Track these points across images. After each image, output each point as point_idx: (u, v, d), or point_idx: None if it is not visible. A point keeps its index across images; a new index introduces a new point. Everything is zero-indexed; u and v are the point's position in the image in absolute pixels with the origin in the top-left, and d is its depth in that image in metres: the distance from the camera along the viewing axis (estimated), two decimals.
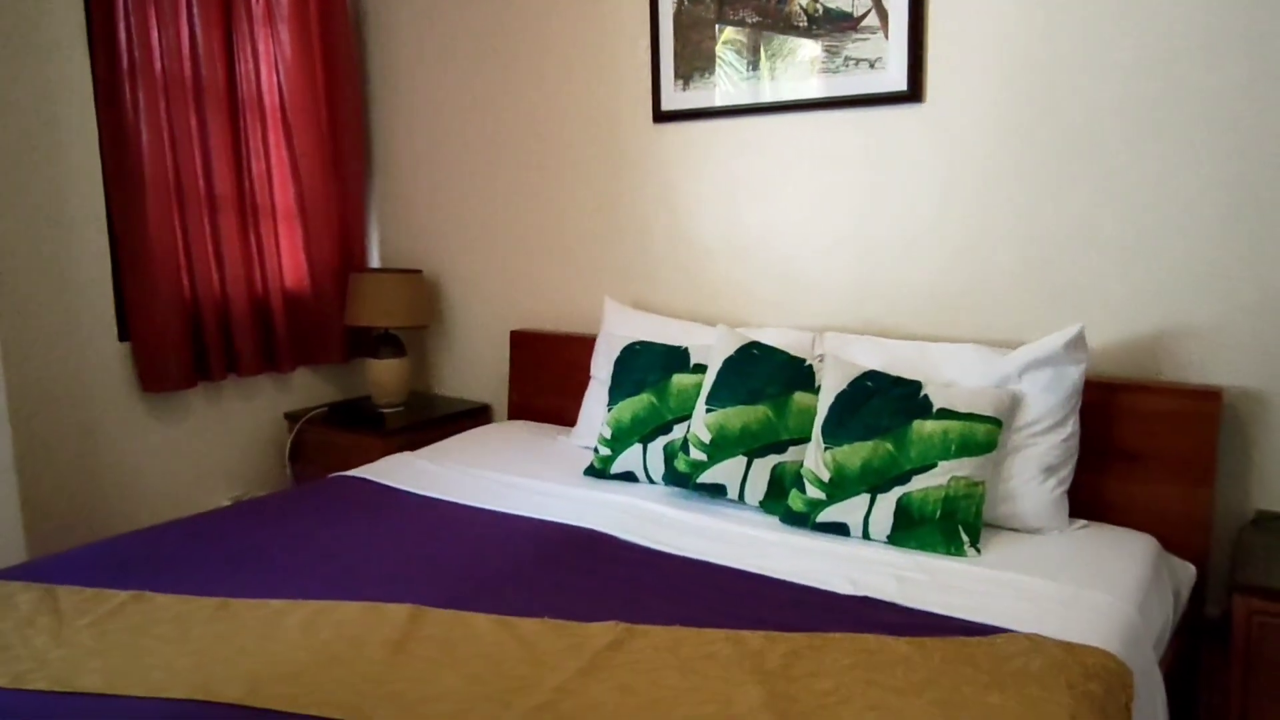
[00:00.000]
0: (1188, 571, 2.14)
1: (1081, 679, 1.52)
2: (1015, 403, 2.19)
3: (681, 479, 2.42)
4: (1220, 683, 1.88)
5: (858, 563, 2.01)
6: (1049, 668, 1.54)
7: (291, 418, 3.54)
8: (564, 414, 3.22)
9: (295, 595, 1.90)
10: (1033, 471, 2.17)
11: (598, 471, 2.64)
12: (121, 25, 2.96)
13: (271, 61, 3.44)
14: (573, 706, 1.47)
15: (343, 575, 2.00)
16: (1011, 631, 1.68)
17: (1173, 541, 2.18)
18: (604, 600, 1.85)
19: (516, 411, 3.41)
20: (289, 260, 3.56)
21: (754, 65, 2.78)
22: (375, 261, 3.90)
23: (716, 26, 2.84)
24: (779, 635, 1.69)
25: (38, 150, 2.85)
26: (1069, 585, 1.87)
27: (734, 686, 1.52)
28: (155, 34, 3.05)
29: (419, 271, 3.56)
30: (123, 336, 3.12)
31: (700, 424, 2.41)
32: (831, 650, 1.63)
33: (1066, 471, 2.20)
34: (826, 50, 2.65)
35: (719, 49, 2.84)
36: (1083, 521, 2.22)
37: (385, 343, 3.53)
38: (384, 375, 3.51)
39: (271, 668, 1.60)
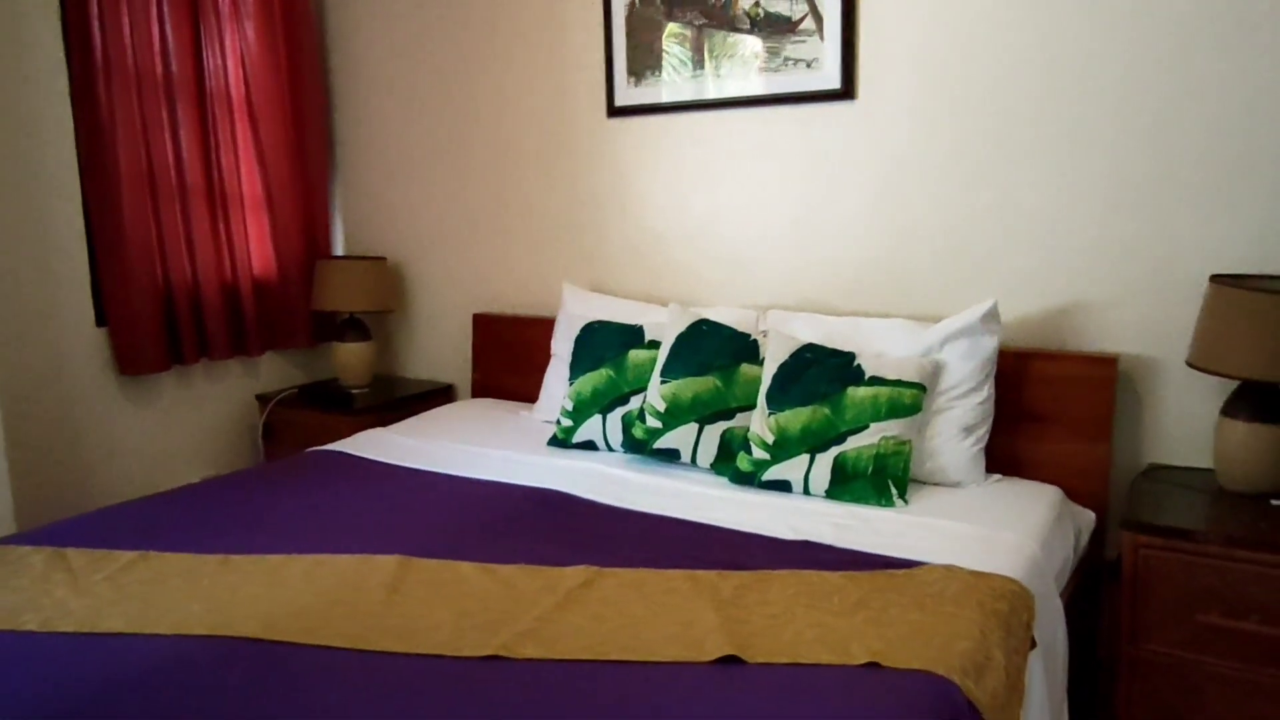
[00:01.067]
0: (1087, 517, 2.41)
1: (990, 599, 1.77)
2: (937, 370, 2.44)
3: (638, 445, 2.64)
4: (1114, 607, 2.15)
5: (799, 514, 2.25)
6: (962, 591, 1.80)
7: (263, 399, 3.69)
8: (525, 392, 3.42)
9: (290, 552, 2.08)
10: (953, 431, 2.43)
11: (560, 441, 2.84)
12: (95, 23, 3.07)
13: (238, 56, 3.57)
14: (553, 631, 1.69)
15: (332, 534, 2.18)
16: (931, 564, 1.93)
17: (1076, 492, 2.45)
18: (574, 549, 2.06)
19: (480, 390, 3.60)
20: (257, 248, 3.70)
21: (700, 64, 3.00)
22: (340, 249, 4.06)
23: (666, 27, 3.05)
24: (730, 573, 1.91)
25: (16, 144, 2.97)
26: (982, 527, 2.12)
27: (693, 613, 1.74)
28: (128, 31, 3.17)
29: (383, 258, 3.73)
30: (100, 322, 3.24)
31: (655, 394, 2.63)
32: (776, 583, 1.87)
33: (983, 431, 2.46)
34: (768, 50, 2.88)
35: (668, 48, 3.05)
36: (998, 475, 2.48)
37: (351, 327, 3.69)
38: (350, 358, 3.67)
39: (281, 608, 1.79)
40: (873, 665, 1.55)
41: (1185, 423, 2.43)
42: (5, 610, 1.79)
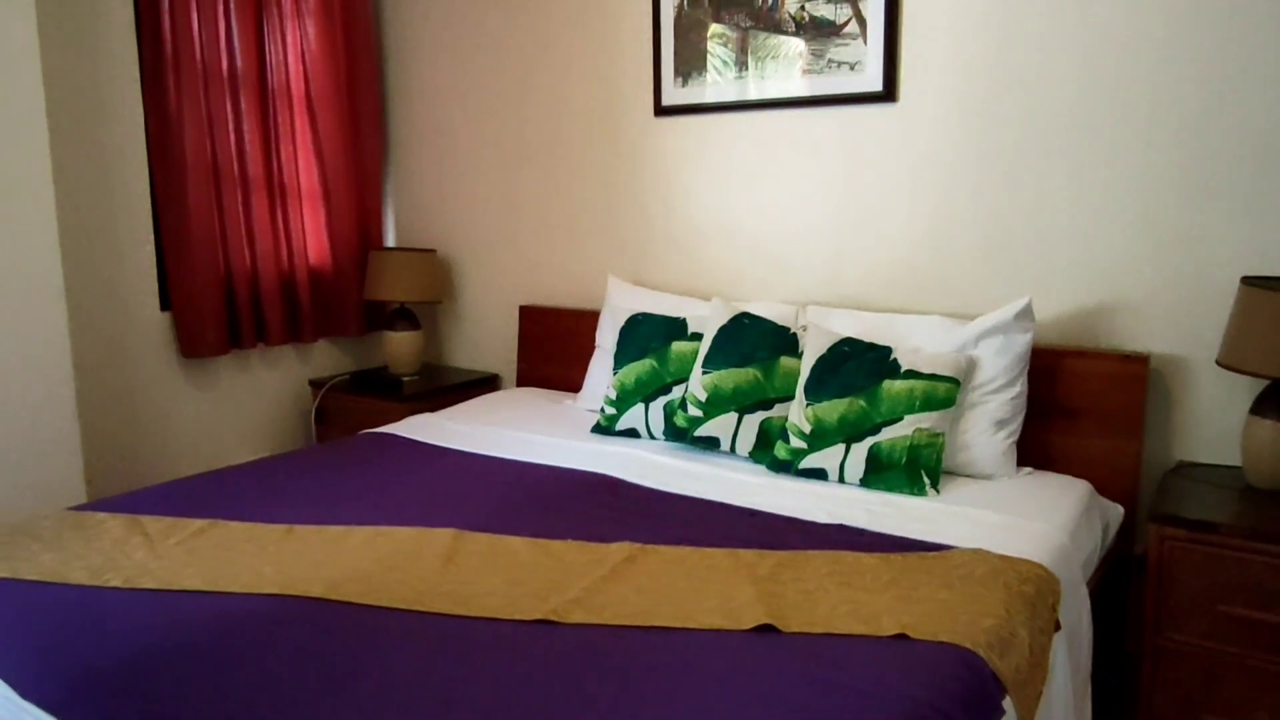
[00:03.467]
0: (1116, 511, 2.47)
1: (1016, 582, 1.85)
2: (971, 365, 2.52)
3: (680, 433, 2.74)
4: (1140, 596, 2.21)
5: (834, 500, 2.34)
6: (990, 573, 1.87)
7: (316, 384, 3.83)
8: (568, 382, 3.53)
9: (350, 524, 2.20)
10: (985, 425, 2.50)
11: (603, 429, 2.95)
12: (166, 19, 3.23)
13: (299, 52, 3.72)
14: (600, 600, 1.79)
15: (388, 509, 2.30)
16: (960, 548, 2.01)
17: (1106, 487, 2.51)
18: (619, 528, 2.16)
19: (524, 380, 3.71)
20: (313, 238, 3.84)
21: (744, 65, 3.09)
22: (392, 241, 4.19)
23: (713, 28, 3.14)
24: (768, 553, 2.01)
25: (92, 136, 3.13)
26: (1012, 516, 2.20)
27: (731, 587, 1.84)
28: (196, 27, 3.32)
29: (433, 251, 3.85)
30: (164, 306, 3.40)
31: (697, 384, 2.72)
32: (812, 562, 1.96)
33: (1015, 425, 2.53)
34: (812, 53, 2.96)
35: (712, 49, 3.14)
36: (1029, 469, 2.55)
37: (401, 317, 3.82)
38: (400, 347, 3.80)
39: (343, 572, 1.91)
40: (901, 637, 1.63)
41: (1215, 421, 2.48)
42: (92, 569, 1.93)
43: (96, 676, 1.55)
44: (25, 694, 1.55)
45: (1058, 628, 1.88)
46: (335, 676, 1.52)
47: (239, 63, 3.51)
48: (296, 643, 1.63)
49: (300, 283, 3.77)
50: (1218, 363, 2.30)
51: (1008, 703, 1.59)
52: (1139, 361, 2.49)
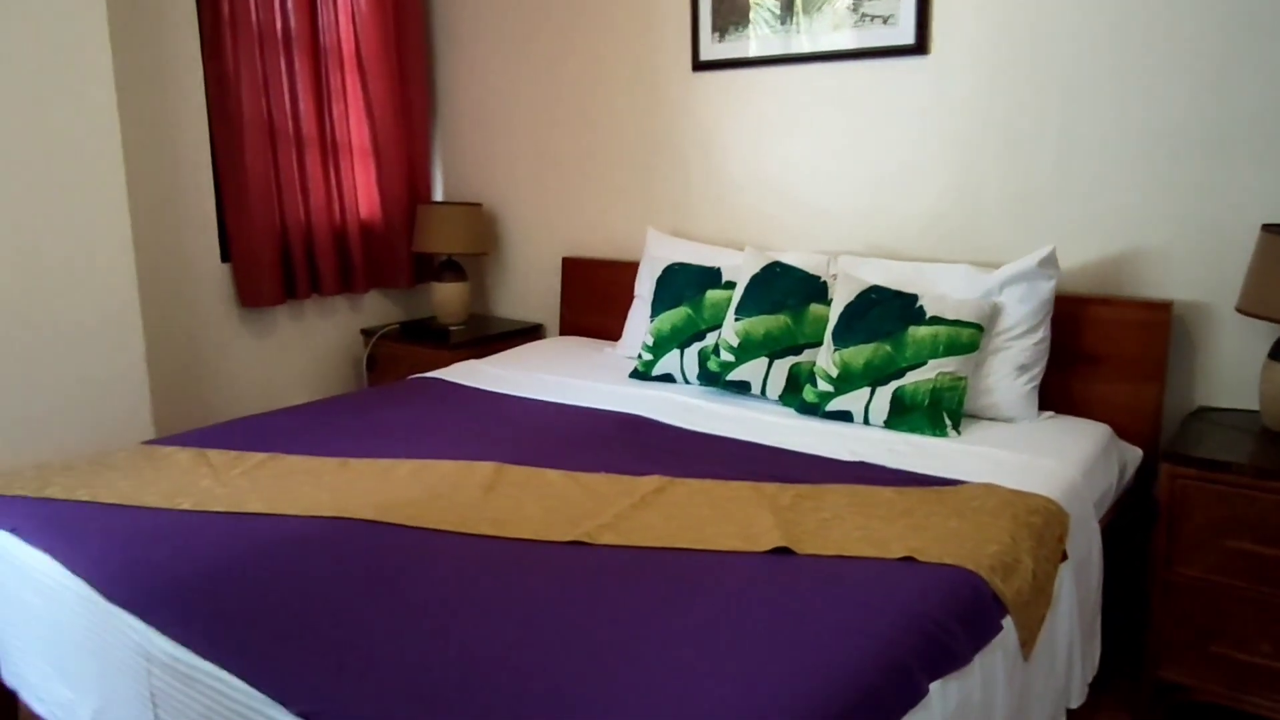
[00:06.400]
0: (1135, 453, 2.54)
1: (1024, 514, 1.95)
2: (995, 311, 2.59)
3: (713, 378, 2.85)
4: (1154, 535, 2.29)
5: (858, 440, 2.43)
6: (1000, 505, 1.97)
7: (367, 333, 4.00)
8: (609, 330, 3.65)
9: (399, 456, 2.35)
10: (1008, 369, 2.57)
11: (640, 374, 3.07)
12: None
13: (350, 13, 3.84)
14: (629, 525, 1.92)
15: (434, 445, 2.44)
16: (974, 483, 2.10)
17: (1127, 431, 2.58)
18: (650, 463, 2.29)
19: (567, 329, 3.84)
20: (364, 193, 3.99)
21: (786, 20, 3.15)
22: (439, 195, 4.33)
23: None
24: (789, 486, 2.12)
25: (154, 96, 3.28)
26: (1027, 455, 2.28)
27: (752, 515, 1.96)
28: None
29: (479, 205, 3.98)
30: (224, 258, 3.57)
31: (730, 331, 2.83)
32: (831, 494, 2.07)
33: (1037, 370, 2.60)
34: (848, 7, 3.01)
35: (754, 3, 3.20)
36: (1050, 413, 2.62)
37: (448, 268, 3.96)
38: (447, 297, 3.94)
39: (392, 498, 2.06)
40: (908, 560, 1.74)
41: (1236, 367, 2.53)
42: (164, 493, 2.10)
43: (171, 583, 1.72)
44: (110, 597, 1.72)
45: (1064, 558, 1.97)
46: (383, 587, 1.67)
47: (293, 23, 3.64)
48: (349, 559, 1.78)
49: (352, 236, 3.92)
50: (1238, 309, 2.35)
51: (1007, 621, 1.69)
52: (1162, 308, 2.54)
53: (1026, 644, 1.76)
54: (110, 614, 1.71)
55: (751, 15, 3.21)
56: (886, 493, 2.07)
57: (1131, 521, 2.54)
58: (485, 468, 2.25)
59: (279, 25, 3.59)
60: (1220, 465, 2.15)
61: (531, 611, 1.59)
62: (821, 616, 1.56)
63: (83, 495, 2.11)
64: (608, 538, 1.86)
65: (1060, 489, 2.09)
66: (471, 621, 1.56)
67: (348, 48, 3.86)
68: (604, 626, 1.54)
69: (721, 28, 3.29)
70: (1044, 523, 1.95)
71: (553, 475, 2.22)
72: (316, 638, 1.52)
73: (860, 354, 2.58)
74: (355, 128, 3.92)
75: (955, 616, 1.60)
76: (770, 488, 2.11)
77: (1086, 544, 2.13)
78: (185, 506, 2.04)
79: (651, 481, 2.15)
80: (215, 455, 2.38)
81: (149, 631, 1.63)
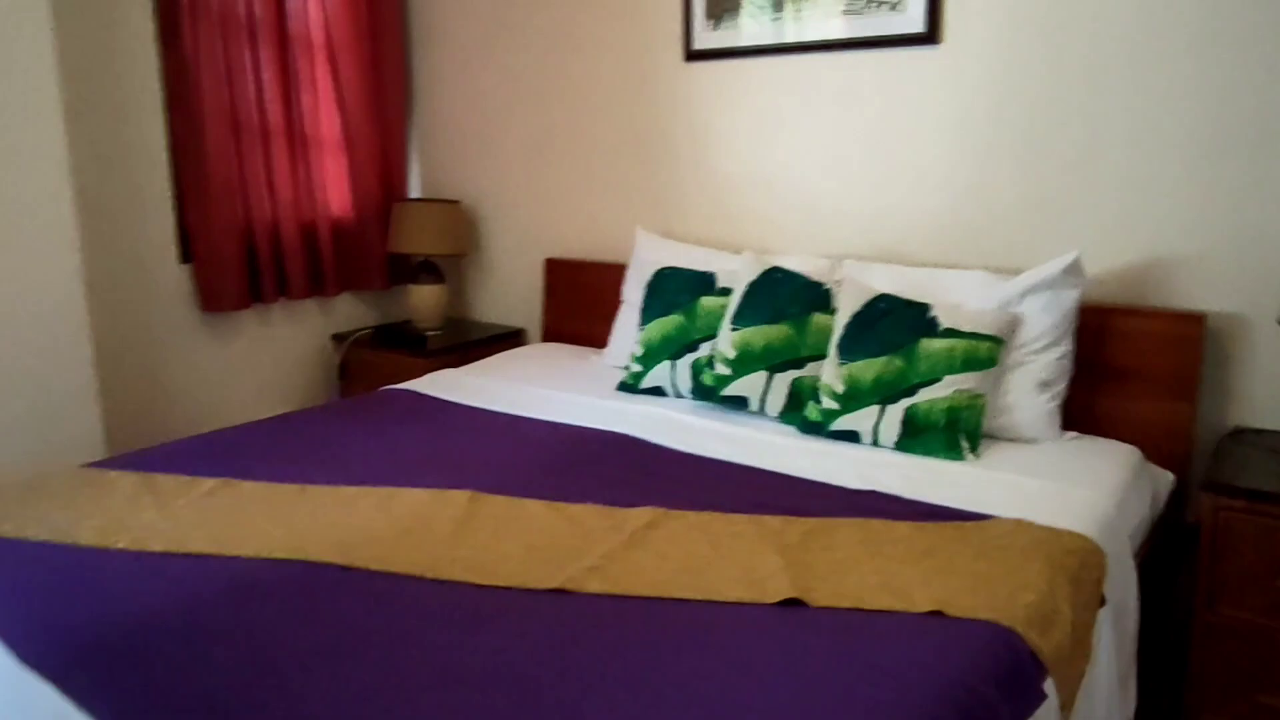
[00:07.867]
0: (1166, 478, 2.35)
1: (1059, 554, 1.75)
2: (1015, 323, 2.39)
3: (707, 392, 2.64)
4: (1192, 572, 2.10)
5: (867, 464, 2.24)
6: (1031, 544, 1.77)
7: (339, 338, 3.78)
8: (594, 337, 3.44)
9: (365, 484, 2.13)
10: (1029, 386, 2.38)
11: (629, 386, 2.86)
12: None
13: None
14: (618, 569, 1.71)
15: (404, 469, 2.23)
16: (1001, 517, 1.90)
17: (1157, 453, 2.39)
18: (640, 491, 2.08)
19: (550, 335, 3.63)
20: (335, 189, 3.76)
21: (780, 6, 2.94)
22: (415, 192, 4.10)
23: None
24: (796, 519, 1.92)
25: (105, 84, 3.05)
26: (1056, 483, 2.09)
27: (757, 556, 1.75)
28: None
29: (457, 202, 3.76)
30: (183, 259, 3.34)
31: (725, 342, 2.62)
32: (842, 530, 1.86)
33: (1060, 386, 2.40)
34: None
35: None
36: (1074, 433, 2.43)
37: (425, 270, 3.74)
38: (424, 300, 3.72)
39: (355, 535, 1.84)
40: (936, 614, 1.54)
41: (1275, 384, 2.35)
42: (98, 530, 1.88)
43: (96, 644, 1.50)
44: (25, 659, 1.50)
45: (1103, 603, 1.78)
46: (340, 650, 1.46)
47: (256, 9, 3.40)
48: (303, 611, 1.57)
49: (322, 235, 3.69)
50: (1278, 321, 2.16)
51: (1049, 685, 1.50)
52: (1194, 320, 2.35)
53: (1066, 706, 1.56)
54: (24, 680, 1.49)
55: (745, 4, 3.00)
56: (903, 528, 1.87)
57: (1160, 550, 2.35)
58: (459, 497, 2.04)
59: (242, 9, 3.36)
60: (1268, 496, 1.96)
61: (503, 678, 1.38)
62: (840, 684, 1.36)
63: (7, 530, 1.88)
64: (595, 585, 1.65)
65: (1095, 524, 1.90)
66: (442, 695, 1.35)
67: (317, 34, 3.63)
68: (588, 698, 1.33)
69: (716, 15, 3.08)
70: (1080, 565, 1.75)
71: (533, 506, 2.01)
72: (260, 715, 1.31)
73: (869, 368, 2.38)
74: (325, 119, 3.69)
75: (993, 681, 1.40)
76: (774, 522, 1.90)
77: (1123, 585, 1.93)
78: (121, 545, 1.81)
79: (643, 514, 1.94)
80: (163, 480, 2.16)
81: (65, 704, 1.41)
